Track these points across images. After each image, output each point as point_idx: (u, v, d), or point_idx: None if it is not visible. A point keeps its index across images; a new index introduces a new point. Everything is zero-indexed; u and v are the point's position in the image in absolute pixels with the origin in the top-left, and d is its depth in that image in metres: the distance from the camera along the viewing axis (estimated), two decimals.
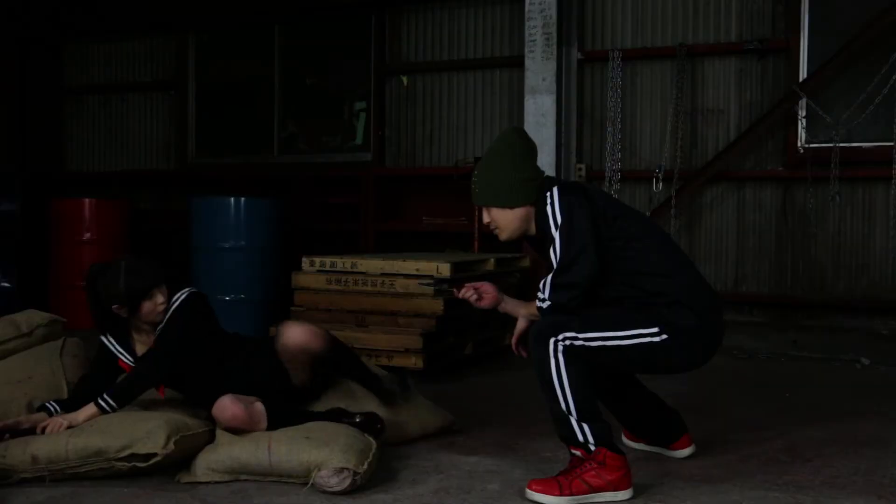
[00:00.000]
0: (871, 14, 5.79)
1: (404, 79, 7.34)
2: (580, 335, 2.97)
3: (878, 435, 3.84)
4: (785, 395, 4.68)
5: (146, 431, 3.06)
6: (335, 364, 3.60)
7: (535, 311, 3.10)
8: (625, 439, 3.65)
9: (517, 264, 5.94)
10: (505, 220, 3.18)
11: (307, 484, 3.00)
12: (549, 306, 3.02)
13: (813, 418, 4.12)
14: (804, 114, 6.04)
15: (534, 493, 2.91)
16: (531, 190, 3.13)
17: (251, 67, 8.00)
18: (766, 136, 6.20)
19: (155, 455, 3.03)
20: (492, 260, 5.53)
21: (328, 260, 5.43)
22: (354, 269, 5.31)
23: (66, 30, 8.60)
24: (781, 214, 6.16)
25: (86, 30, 8.54)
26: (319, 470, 2.98)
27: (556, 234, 3.01)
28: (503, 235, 3.23)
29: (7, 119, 8.44)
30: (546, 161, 6.16)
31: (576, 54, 6.48)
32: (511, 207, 3.15)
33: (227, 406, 3.20)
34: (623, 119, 6.40)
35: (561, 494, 2.88)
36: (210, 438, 3.33)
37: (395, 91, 7.42)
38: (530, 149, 3.24)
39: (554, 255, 3.01)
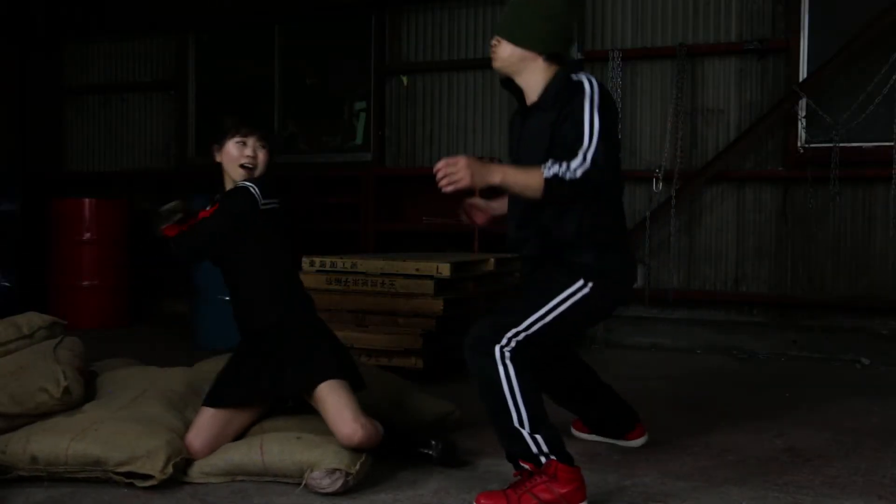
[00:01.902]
0: (871, 14, 5.78)
1: (404, 79, 7.34)
2: (521, 326, 2.84)
3: (878, 435, 3.84)
4: (785, 395, 4.69)
5: (147, 450, 3.04)
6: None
7: (534, 184, 2.75)
8: (574, 431, 3.64)
9: (517, 264, 5.93)
10: (507, 51, 3.02)
11: (301, 485, 3.00)
12: (586, 170, 2.71)
13: (813, 418, 4.13)
14: (804, 114, 6.04)
15: None
16: (547, 42, 3.00)
17: (251, 67, 8.00)
18: (766, 136, 6.20)
19: (152, 477, 3.01)
20: (492, 260, 5.53)
21: (328, 260, 5.43)
22: (354, 269, 5.31)
23: (66, 30, 8.60)
24: (781, 214, 6.16)
25: (86, 30, 8.54)
26: (312, 471, 2.98)
27: (595, 113, 2.79)
28: (495, 63, 3.08)
29: (7, 119, 8.44)
30: None
31: (575, 54, 6.48)
32: (521, 46, 3.00)
33: (368, 427, 3.07)
34: (623, 119, 6.39)
35: None
36: None
37: (395, 91, 7.42)
38: (571, 6, 3.12)
39: (582, 128, 2.77)
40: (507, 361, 2.81)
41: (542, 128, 2.96)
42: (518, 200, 3.03)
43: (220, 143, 3.35)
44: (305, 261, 5.52)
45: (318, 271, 5.43)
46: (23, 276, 7.24)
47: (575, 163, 2.73)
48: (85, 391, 3.51)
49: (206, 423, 3.22)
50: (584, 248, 2.96)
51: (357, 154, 7.61)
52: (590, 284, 2.92)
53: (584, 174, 2.72)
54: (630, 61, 6.46)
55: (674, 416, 4.13)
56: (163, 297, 8.05)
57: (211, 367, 4.00)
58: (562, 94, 2.93)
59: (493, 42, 3.07)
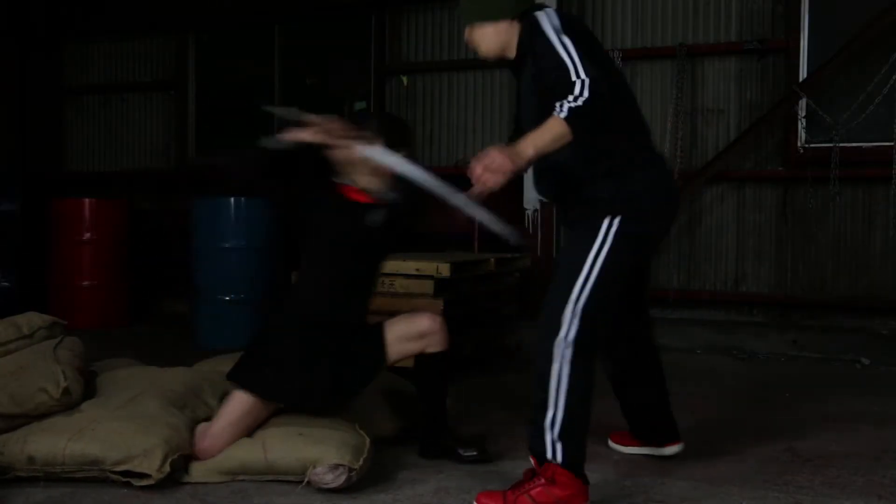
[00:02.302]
0: (871, 14, 5.78)
1: (404, 79, 7.34)
2: (570, 300, 2.72)
3: (878, 435, 3.84)
4: (785, 395, 4.69)
5: (143, 449, 3.03)
6: (432, 376, 3.39)
7: (559, 131, 2.57)
8: (612, 444, 3.58)
9: (517, 264, 5.93)
10: (482, 34, 2.93)
11: (303, 482, 3.00)
12: (587, 86, 2.55)
13: (813, 418, 4.12)
14: (804, 114, 6.04)
15: None
16: (511, 4, 2.87)
17: (251, 67, 8.00)
18: (766, 136, 6.20)
19: (149, 476, 3.01)
20: (492, 260, 5.53)
21: None
22: None
23: (66, 30, 8.60)
24: (781, 214, 6.16)
25: (86, 30, 8.54)
26: (315, 467, 2.98)
27: (561, 35, 2.65)
28: (481, 51, 2.99)
29: (7, 119, 8.44)
30: None
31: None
32: (491, 20, 2.89)
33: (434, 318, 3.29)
34: None
35: None
36: None
37: (395, 91, 7.42)
38: None
39: (559, 55, 2.62)
40: (565, 359, 2.72)
41: (528, 81, 2.87)
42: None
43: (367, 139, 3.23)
44: None
45: None
46: (23, 276, 7.24)
47: (576, 88, 2.57)
48: (85, 391, 3.51)
49: (240, 417, 3.15)
50: (599, 179, 2.79)
51: None
52: (617, 218, 2.74)
53: (591, 92, 2.55)
54: (630, 61, 6.46)
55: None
56: (163, 297, 8.05)
57: (211, 367, 4.01)
58: (525, 39, 2.82)
59: (466, 33, 2.99)
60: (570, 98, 2.56)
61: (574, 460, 2.79)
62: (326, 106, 7.76)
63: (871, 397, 4.63)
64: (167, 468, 3.02)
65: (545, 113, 2.61)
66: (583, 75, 2.57)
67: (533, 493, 2.76)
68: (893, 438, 3.78)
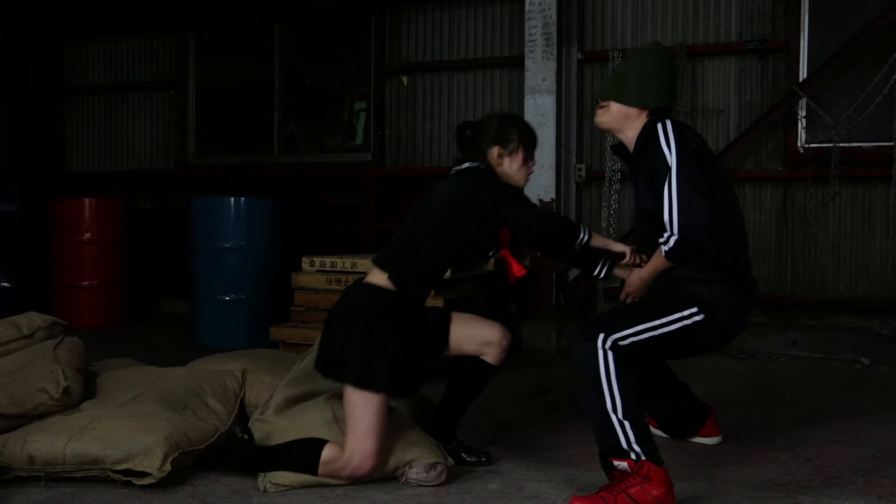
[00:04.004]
0: (871, 14, 5.79)
1: (404, 79, 7.34)
2: (627, 331, 2.97)
3: (878, 435, 3.84)
4: (785, 395, 4.69)
5: (144, 447, 3.03)
6: (470, 382, 3.39)
7: (659, 265, 3.12)
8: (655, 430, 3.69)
9: None
10: (612, 110, 3.25)
11: (402, 477, 3.10)
12: (676, 241, 2.99)
13: (813, 418, 4.12)
14: (804, 114, 6.04)
15: None
16: (649, 97, 3.20)
17: (251, 67, 8.00)
18: (766, 136, 6.20)
19: (150, 475, 3.01)
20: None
21: (328, 260, 5.43)
22: (354, 269, 5.31)
23: (66, 30, 8.60)
24: (781, 214, 6.16)
25: (86, 30, 8.54)
26: (411, 467, 3.09)
27: (675, 172, 3.00)
28: (599, 122, 3.31)
29: (7, 119, 8.44)
30: (546, 161, 6.17)
31: (576, 54, 6.48)
32: (625, 104, 3.22)
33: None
34: None
35: None
36: (216, 448, 3.32)
37: (395, 91, 7.42)
38: (669, 65, 3.32)
39: (671, 193, 3.00)
40: (609, 350, 2.93)
41: (646, 177, 3.15)
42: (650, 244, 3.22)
43: (509, 147, 3.23)
44: (305, 261, 5.52)
45: (318, 271, 5.44)
46: (23, 276, 7.24)
47: (666, 235, 3.02)
48: (85, 391, 3.51)
49: (377, 419, 3.00)
50: (701, 282, 3.09)
51: (357, 154, 7.61)
52: (702, 315, 3.05)
53: (677, 242, 3.00)
54: None
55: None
56: (163, 297, 8.05)
57: (210, 367, 4.01)
58: (642, 142, 3.18)
59: (601, 105, 3.29)
60: (664, 240, 3.03)
61: (646, 437, 2.89)
62: (326, 106, 7.77)
63: (871, 397, 4.63)
64: (168, 467, 3.01)
65: (652, 211, 3.08)
66: (675, 226, 2.99)
67: (631, 491, 2.79)
68: (893, 438, 3.78)
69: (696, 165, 3.02)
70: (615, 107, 3.25)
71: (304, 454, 3.06)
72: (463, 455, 3.36)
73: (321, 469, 3.02)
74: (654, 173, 3.06)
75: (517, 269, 3.31)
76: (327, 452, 3.02)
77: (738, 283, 3.17)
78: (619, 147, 3.37)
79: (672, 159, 3.02)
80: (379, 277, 3.15)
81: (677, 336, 3.05)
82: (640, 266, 3.30)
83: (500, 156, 3.22)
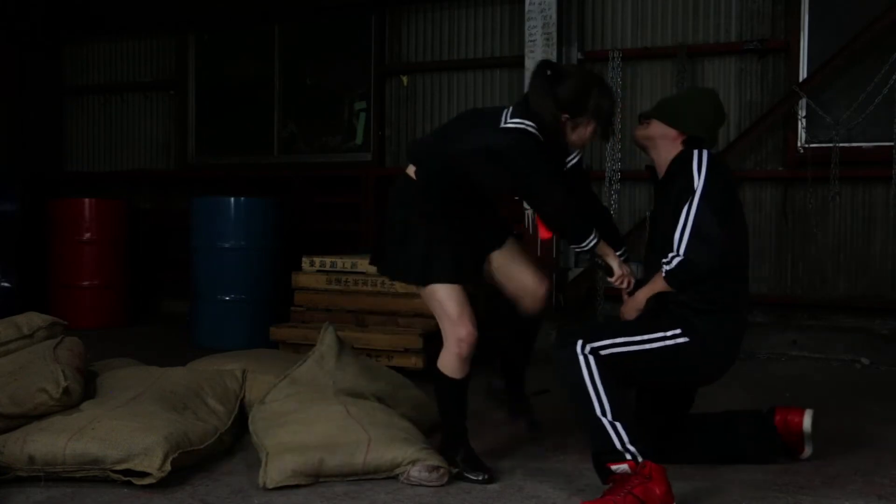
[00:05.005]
0: (871, 14, 5.78)
1: (404, 79, 7.34)
2: (606, 341, 2.99)
3: (878, 435, 3.84)
4: (785, 395, 4.68)
5: (144, 447, 3.03)
6: (520, 332, 3.46)
7: (657, 287, 3.11)
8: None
9: None
10: (652, 128, 3.30)
11: (403, 475, 3.12)
12: (679, 262, 3.03)
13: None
14: (804, 114, 6.04)
15: None
16: (693, 127, 3.24)
17: (251, 67, 8.00)
18: (766, 136, 6.19)
19: (150, 475, 3.00)
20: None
21: (328, 260, 5.43)
22: (354, 269, 5.31)
23: (66, 30, 8.60)
24: (781, 214, 6.15)
25: (85, 30, 8.54)
26: (413, 465, 3.11)
27: (698, 197, 3.04)
28: (637, 131, 3.35)
29: (7, 119, 8.43)
30: None
31: (576, 54, 6.48)
32: (668, 125, 3.26)
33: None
34: (623, 119, 6.39)
35: None
36: (216, 448, 3.32)
37: (395, 91, 7.42)
38: (717, 108, 3.35)
39: (688, 215, 3.04)
40: (588, 355, 2.97)
41: (672, 202, 3.17)
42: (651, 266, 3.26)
43: (578, 120, 3.16)
44: (305, 261, 5.53)
45: (318, 271, 5.44)
46: (23, 276, 7.24)
47: (671, 255, 3.06)
48: (85, 391, 3.50)
49: (459, 302, 3.14)
50: (692, 310, 3.10)
51: (357, 154, 7.61)
52: (686, 338, 3.06)
53: (679, 265, 3.04)
54: (630, 61, 6.46)
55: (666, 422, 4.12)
56: (163, 297, 8.05)
57: (210, 367, 4.01)
58: (674, 167, 3.23)
59: (643, 122, 3.35)
60: (666, 261, 3.07)
61: (637, 437, 2.90)
62: (326, 106, 7.77)
63: (871, 397, 4.63)
64: (168, 467, 3.01)
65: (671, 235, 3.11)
66: (682, 248, 3.03)
67: (637, 491, 2.80)
68: (893, 438, 3.78)
69: (722, 198, 3.08)
70: (655, 124, 3.30)
71: (440, 391, 3.25)
72: (467, 475, 3.20)
73: (448, 373, 3.18)
74: (680, 199, 3.09)
75: (543, 233, 3.32)
76: (440, 364, 3.20)
77: (731, 318, 3.18)
78: (653, 168, 3.42)
79: (699, 184, 3.06)
80: (410, 170, 3.25)
81: (657, 356, 3.05)
82: (630, 292, 3.29)
83: (565, 123, 3.14)
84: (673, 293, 3.11)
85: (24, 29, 8.46)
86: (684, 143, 3.25)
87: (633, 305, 3.22)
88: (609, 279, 3.27)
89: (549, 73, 3.13)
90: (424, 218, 3.17)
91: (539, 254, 6.23)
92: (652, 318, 3.12)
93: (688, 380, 3.33)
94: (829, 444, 3.66)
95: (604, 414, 2.90)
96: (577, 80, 3.17)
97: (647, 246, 3.42)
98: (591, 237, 3.17)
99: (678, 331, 3.06)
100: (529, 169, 3.06)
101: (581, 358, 2.95)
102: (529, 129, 3.07)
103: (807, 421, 3.42)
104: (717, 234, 3.02)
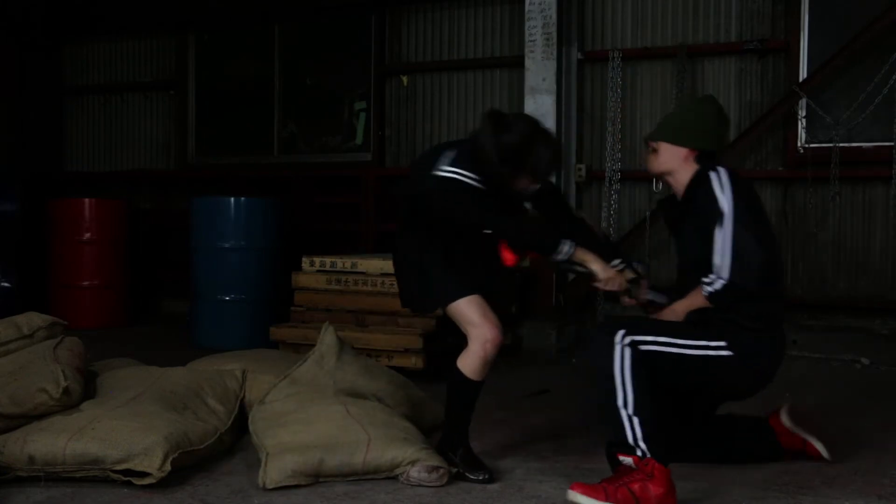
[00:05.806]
0: (871, 14, 5.78)
1: (404, 79, 7.34)
2: (649, 337, 2.99)
3: (878, 435, 3.84)
4: (785, 395, 4.68)
5: (144, 447, 3.03)
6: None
7: (696, 303, 3.11)
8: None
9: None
10: (665, 152, 3.27)
11: (402, 475, 3.11)
12: (724, 285, 3.03)
13: (813, 418, 4.11)
14: (804, 114, 6.04)
15: (576, 494, 2.82)
16: (702, 141, 3.24)
17: (251, 67, 8.00)
18: (766, 136, 6.19)
19: (150, 475, 3.00)
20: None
21: (328, 260, 5.43)
22: (354, 269, 5.31)
23: (66, 30, 8.60)
24: (781, 214, 6.15)
25: (85, 30, 8.54)
26: (413, 465, 3.10)
27: (730, 218, 3.04)
28: (653, 167, 3.33)
29: (7, 119, 8.43)
30: None
31: (576, 54, 6.48)
32: (676, 144, 3.25)
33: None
34: (623, 119, 6.39)
35: (606, 500, 2.78)
36: (216, 448, 3.32)
37: (395, 91, 7.41)
38: (719, 112, 3.35)
39: (724, 238, 3.04)
40: (626, 347, 2.96)
41: (689, 230, 3.21)
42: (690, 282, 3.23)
43: (520, 172, 3.23)
44: (305, 261, 5.53)
45: (318, 271, 5.44)
46: (23, 276, 7.24)
47: (712, 278, 3.07)
48: (85, 391, 3.50)
49: (480, 304, 3.20)
50: (738, 325, 3.10)
51: (357, 154, 7.60)
52: (729, 352, 3.06)
53: (725, 287, 3.05)
54: (630, 61, 6.46)
55: (674, 417, 4.12)
56: (163, 297, 8.05)
57: (210, 367, 4.01)
58: (692, 190, 3.20)
59: (651, 148, 3.32)
60: (708, 283, 3.07)
61: (652, 436, 2.89)
62: (326, 106, 7.77)
63: (870, 397, 4.63)
64: (168, 467, 3.01)
65: (697, 258, 3.14)
66: (724, 272, 3.04)
67: (632, 486, 2.82)
68: (894, 438, 3.78)
69: (753, 215, 3.08)
70: (664, 147, 3.28)
71: (454, 389, 3.26)
72: (468, 475, 3.20)
73: (468, 374, 3.19)
74: (706, 220, 3.08)
75: (507, 258, 3.30)
76: (461, 363, 3.21)
77: (775, 336, 3.20)
78: (666, 201, 3.42)
79: (727, 206, 3.05)
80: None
81: (696, 363, 3.05)
82: (636, 297, 3.31)
83: (506, 175, 3.20)
84: (716, 309, 3.12)
85: (24, 29, 8.46)
86: (697, 158, 3.25)
87: (672, 318, 3.22)
88: (596, 284, 3.24)
89: (495, 124, 3.21)
90: (417, 249, 3.30)
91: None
92: (700, 326, 3.11)
93: (719, 392, 3.34)
94: (829, 445, 3.66)
95: (625, 406, 2.91)
96: (521, 135, 3.21)
97: (679, 270, 3.42)
98: (562, 246, 3.15)
99: (723, 343, 3.06)
100: (461, 210, 3.17)
101: (618, 347, 2.95)
102: (459, 178, 3.16)
103: (783, 416, 3.50)
104: (758, 255, 3.04)
